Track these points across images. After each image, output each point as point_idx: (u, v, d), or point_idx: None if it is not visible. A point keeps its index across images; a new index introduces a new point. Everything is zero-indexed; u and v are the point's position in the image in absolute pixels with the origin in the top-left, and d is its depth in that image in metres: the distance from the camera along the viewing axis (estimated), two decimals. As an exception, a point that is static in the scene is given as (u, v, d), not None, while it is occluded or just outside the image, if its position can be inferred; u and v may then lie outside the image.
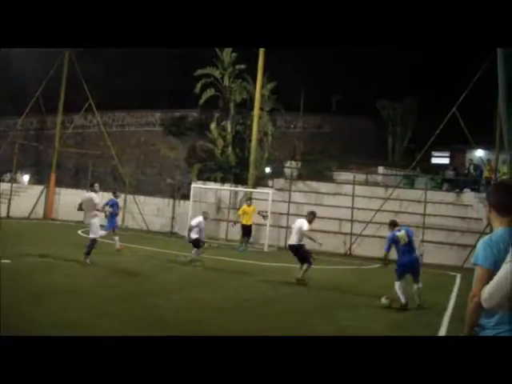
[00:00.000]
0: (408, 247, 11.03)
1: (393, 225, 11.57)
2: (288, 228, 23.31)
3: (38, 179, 32.07)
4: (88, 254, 13.47)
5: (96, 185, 14.72)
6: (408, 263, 11.00)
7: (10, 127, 34.23)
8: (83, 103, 29.73)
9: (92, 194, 14.13)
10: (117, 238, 17.01)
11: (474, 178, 24.95)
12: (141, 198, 27.62)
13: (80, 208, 14.14)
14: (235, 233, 23.31)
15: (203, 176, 27.65)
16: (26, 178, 32.04)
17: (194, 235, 15.28)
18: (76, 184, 30.91)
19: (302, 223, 13.26)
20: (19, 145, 30.03)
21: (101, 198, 15.59)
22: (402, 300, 10.74)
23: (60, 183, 30.01)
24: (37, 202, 28.97)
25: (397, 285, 10.89)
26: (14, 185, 28.05)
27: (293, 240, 13.40)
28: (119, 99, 34.31)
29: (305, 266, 13.10)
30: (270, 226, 22.43)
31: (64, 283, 10.73)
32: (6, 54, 24.13)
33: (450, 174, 26.85)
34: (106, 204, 17.38)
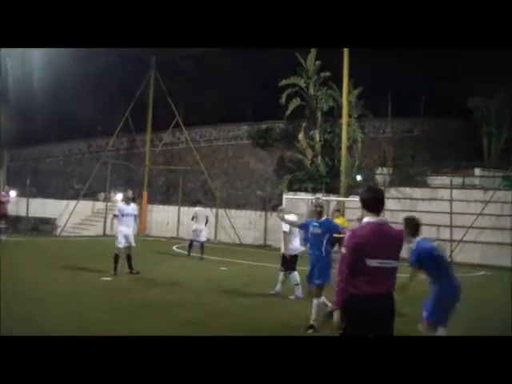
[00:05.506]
0: None
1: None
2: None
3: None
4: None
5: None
6: None
7: (101, 148, 35.60)
8: (170, 120, 30.45)
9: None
10: None
11: None
12: (232, 212, 27.83)
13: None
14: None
15: (293, 187, 27.55)
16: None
17: None
18: (167, 201, 31.59)
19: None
20: (111, 164, 31.07)
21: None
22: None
23: (152, 200, 30.75)
24: (131, 220, 29.76)
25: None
26: (108, 203, 28.97)
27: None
28: (205, 114, 34.91)
29: None
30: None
31: (161, 299, 10.84)
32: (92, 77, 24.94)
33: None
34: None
